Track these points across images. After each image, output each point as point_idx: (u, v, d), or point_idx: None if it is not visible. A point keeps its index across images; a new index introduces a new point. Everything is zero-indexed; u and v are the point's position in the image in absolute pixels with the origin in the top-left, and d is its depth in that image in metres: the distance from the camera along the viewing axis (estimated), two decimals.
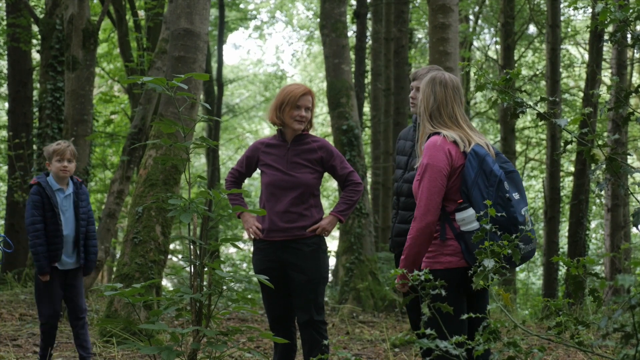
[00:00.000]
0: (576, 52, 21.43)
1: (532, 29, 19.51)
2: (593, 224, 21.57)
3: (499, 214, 3.29)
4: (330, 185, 24.77)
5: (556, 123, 3.51)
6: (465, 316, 3.08)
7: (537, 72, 19.02)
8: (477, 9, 19.19)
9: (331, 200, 25.10)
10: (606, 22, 3.55)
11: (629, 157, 18.07)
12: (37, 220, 5.18)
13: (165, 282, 17.69)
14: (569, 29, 18.98)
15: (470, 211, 3.35)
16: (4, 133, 17.27)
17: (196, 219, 3.89)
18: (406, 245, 3.44)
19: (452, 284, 3.36)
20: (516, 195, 3.37)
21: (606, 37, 12.70)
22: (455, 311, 3.35)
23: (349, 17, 17.39)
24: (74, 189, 5.34)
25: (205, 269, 3.84)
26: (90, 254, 5.35)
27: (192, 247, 3.88)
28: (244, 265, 23.02)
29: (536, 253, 21.45)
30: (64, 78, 11.10)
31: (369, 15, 16.51)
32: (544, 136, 19.49)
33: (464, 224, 3.37)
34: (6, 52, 14.89)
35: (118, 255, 13.44)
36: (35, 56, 15.79)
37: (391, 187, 14.33)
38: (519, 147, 20.17)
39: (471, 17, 19.99)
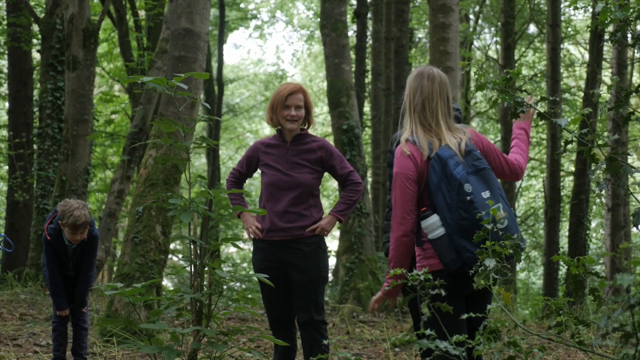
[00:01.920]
0: (576, 52, 21.43)
1: (532, 28, 19.51)
2: (593, 224, 21.58)
3: (462, 218, 3.22)
4: (330, 185, 24.77)
5: (556, 123, 3.51)
6: (465, 316, 3.08)
7: (538, 72, 19.02)
8: (477, 8, 19.19)
9: (331, 200, 25.10)
10: (606, 21, 3.55)
11: (629, 157, 18.07)
12: (52, 266, 5.23)
13: (165, 282, 17.70)
14: (570, 29, 18.98)
15: (434, 218, 3.29)
16: (5, 133, 17.28)
17: (196, 218, 3.90)
18: (390, 256, 3.43)
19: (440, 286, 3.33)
20: (485, 194, 3.27)
21: (606, 36, 12.68)
22: (447, 312, 3.32)
23: (349, 17, 17.40)
24: (81, 242, 5.23)
25: (206, 269, 3.84)
26: (78, 292, 5.34)
27: (192, 246, 3.88)
28: (244, 265, 23.03)
29: (537, 252, 21.48)
30: (65, 78, 11.11)
31: (369, 15, 16.52)
32: (544, 136, 19.50)
33: (428, 231, 3.32)
34: (6, 52, 14.89)
35: (118, 255, 13.45)
36: (36, 56, 15.79)
37: None
38: None
39: (471, 16, 19.99)
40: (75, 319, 5.38)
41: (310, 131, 4.70)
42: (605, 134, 16.07)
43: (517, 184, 17.68)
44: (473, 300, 3.47)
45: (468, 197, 3.23)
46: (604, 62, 15.36)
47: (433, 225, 3.29)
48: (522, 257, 3.30)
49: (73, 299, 5.37)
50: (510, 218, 3.27)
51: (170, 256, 17.25)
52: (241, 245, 19.57)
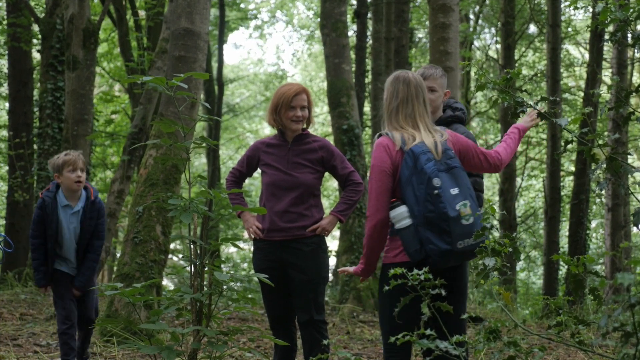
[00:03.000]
0: (576, 52, 21.43)
1: (532, 28, 19.51)
2: (593, 224, 21.57)
3: (429, 211, 3.39)
4: (330, 185, 24.77)
5: (557, 122, 3.51)
6: (465, 316, 3.09)
7: (538, 72, 19.01)
8: (477, 8, 19.18)
9: (331, 200, 25.10)
10: (606, 21, 3.55)
11: (629, 156, 18.07)
12: (36, 235, 5.10)
13: (165, 282, 17.70)
14: (570, 29, 18.97)
15: (402, 209, 3.47)
16: (5, 133, 17.28)
17: (196, 218, 3.90)
18: (364, 243, 3.66)
19: (402, 277, 3.43)
20: (454, 191, 3.43)
21: (606, 36, 12.68)
22: (405, 306, 3.41)
23: (349, 17, 17.40)
24: (85, 204, 5.11)
25: (206, 269, 3.84)
26: (84, 267, 5.16)
27: (192, 246, 3.88)
28: (244, 265, 23.02)
29: (537, 252, 21.46)
30: (65, 77, 11.11)
31: (369, 15, 16.51)
32: (544, 136, 19.50)
33: (395, 221, 3.50)
34: (7, 52, 14.89)
35: (118, 255, 13.46)
36: (36, 56, 15.79)
37: None
38: (519, 147, 20.15)
39: (471, 16, 19.99)
40: (82, 314, 5.18)
41: (310, 131, 4.71)
42: (606, 133, 16.07)
43: (517, 183, 17.68)
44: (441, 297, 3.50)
45: (436, 191, 3.40)
46: (604, 62, 15.36)
47: (400, 215, 3.47)
48: (522, 257, 3.34)
49: (79, 278, 5.16)
50: (477, 216, 3.43)
51: (170, 256, 17.25)
52: (241, 245, 19.56)
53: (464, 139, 3.73)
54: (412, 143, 3.51)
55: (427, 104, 3.67)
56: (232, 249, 25.35)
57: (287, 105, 4.51)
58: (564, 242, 17.93)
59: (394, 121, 3.62)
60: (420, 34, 20.96)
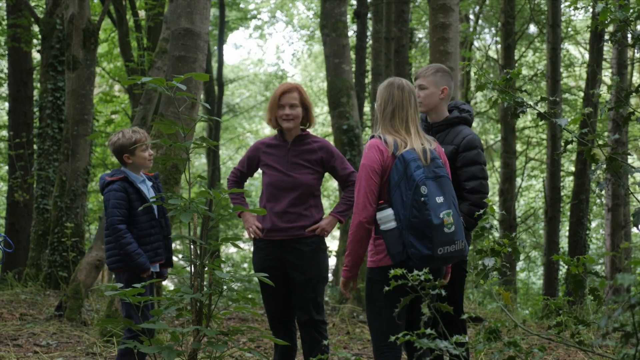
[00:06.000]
0: (576, 52, 21.42)
1: (532, 28, 19.50)
2: (593, 224, 21.57)
3: (414, 216, 3.52)
4: (330, 185, 24.77)
5: (557, 123, 3.52)
6: (465, 315, 3.09)
7: (538, 72, 19.01)
8: (477, 8, 19.18)
9: (332, 200, 25.10)
10: (606, 21, 3.56)
11: (629, 156, 18.06)
12: (122, 220, 4.51)
13: (165, 282, 17.69)
14: (570, 29, 18.96)
15: (388, 211, 3.59)
16: (5, 133, 17.27)
17: (196, 218, 3.90)
18: (348, 242, 3.75)
19: (386, 281, 3.49)
20: (439, 199, 3.56)
21: (606, 36, 12.69)
22: (391, 309, 3.50)
23: (349, 17, 17.40)
24: (150, 177, 4.76)
25: (206, 269, 3.84)
26: (170, 252, 4.77)
27: (192, 246, 3.88)
28: (245, 265, 23.02)
29: (537, 252, 21.46)
30: (65, 78, 11.10)
31: (369, 15, 16.51)
32: (544, 136, 19.49)
33: (381, 222, 3.61)
34: (7, 52, 14.89)
35: None
36: (36, 56, 15.79)
37: None
38: (519, 147, 20.16)
39: (472, 16, 19.98)
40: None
41: (310, 131, 4.71)
42: (606, 133, 16.07)
43: (517, 183, 17.68)
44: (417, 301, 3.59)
45: (422, 198, 3.53)
46: (604, 62, 15.35)
47: (387, 217, 3.59)
48: (522, 258, 3.37)
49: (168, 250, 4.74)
50: (458, 225, 3.60)
51: None
52: (241, 245, 19.56)
53: (445, 157, 3.86)
54: (404, 149, 3.63)
55: (417, 109, 3.80)
56: (232, 249, 25.34)
57: (276, 104, 4.55)
58: (564, 242, 17.91)
59: (389, 125, 3.73)
60: (420, 34, 20.95)
